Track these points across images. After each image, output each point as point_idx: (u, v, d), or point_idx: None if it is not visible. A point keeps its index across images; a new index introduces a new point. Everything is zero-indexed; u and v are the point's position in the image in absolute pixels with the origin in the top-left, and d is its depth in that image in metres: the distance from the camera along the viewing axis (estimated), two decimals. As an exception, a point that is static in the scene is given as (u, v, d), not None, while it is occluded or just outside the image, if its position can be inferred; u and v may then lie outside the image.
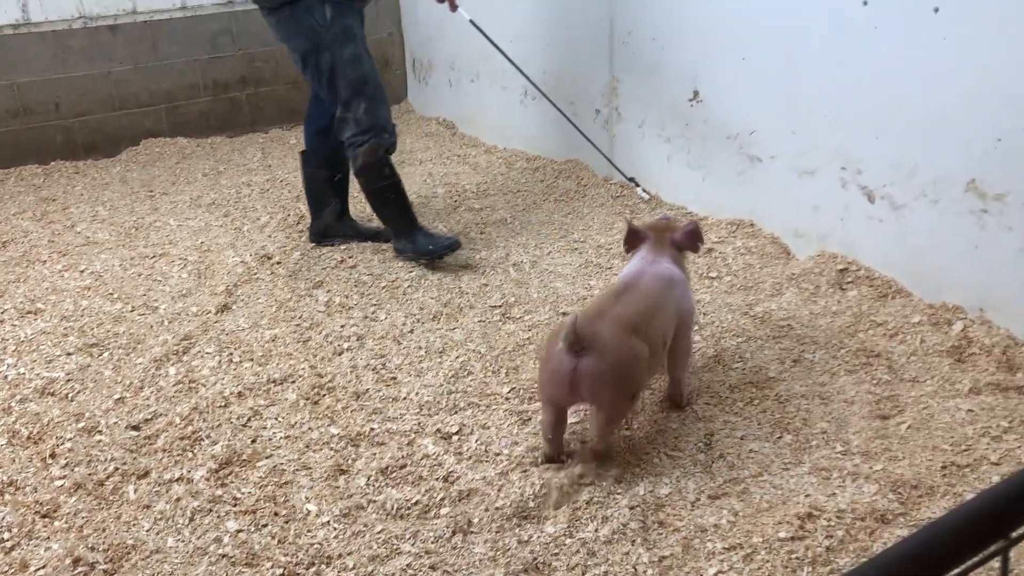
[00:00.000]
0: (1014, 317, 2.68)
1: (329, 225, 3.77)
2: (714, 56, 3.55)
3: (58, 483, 2.32)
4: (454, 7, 3.72)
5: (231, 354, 2.94)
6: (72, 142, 5.12)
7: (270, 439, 2.49)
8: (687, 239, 2.54)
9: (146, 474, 2.36)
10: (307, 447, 2.45)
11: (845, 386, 2.58)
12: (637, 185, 4.03)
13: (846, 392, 2.55)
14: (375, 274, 3.50)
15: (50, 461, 2.41)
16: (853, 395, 2.53)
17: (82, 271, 3.65)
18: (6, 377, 2.84)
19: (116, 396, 2.72)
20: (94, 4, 4.93)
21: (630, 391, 2.24)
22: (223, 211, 4.28)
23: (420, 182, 4.57)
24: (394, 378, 2.78)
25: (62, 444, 2.47)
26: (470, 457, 2.38)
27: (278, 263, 3.63)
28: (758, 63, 3.37)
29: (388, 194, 3.56)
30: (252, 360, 2.90)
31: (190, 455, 2.43)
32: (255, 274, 3.55)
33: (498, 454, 2.38)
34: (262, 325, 3.14)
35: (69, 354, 2.97)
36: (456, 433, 2.48)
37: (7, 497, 2.28)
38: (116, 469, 2.36)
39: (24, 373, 2.86)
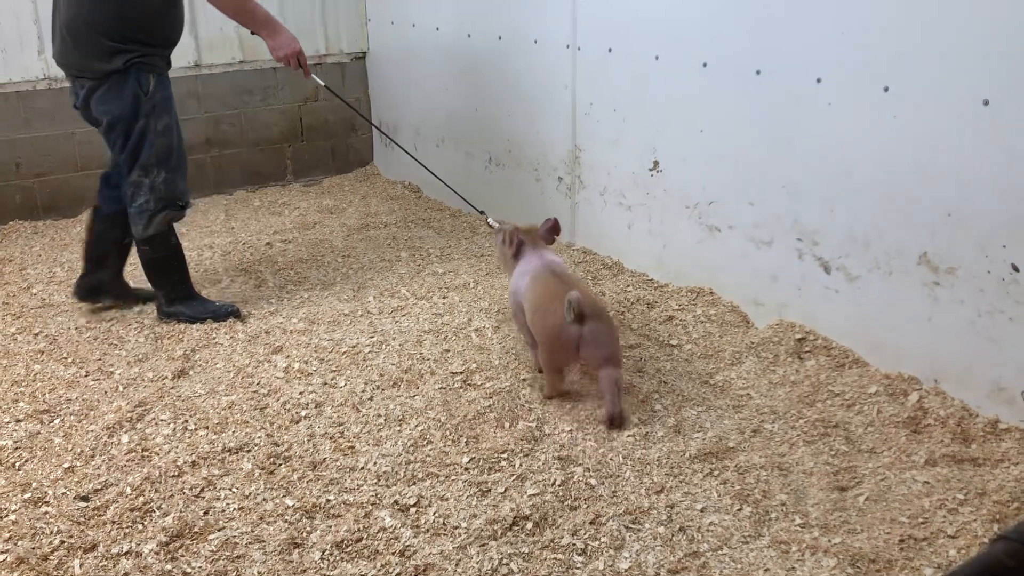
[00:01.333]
0: (967, 388, 2.72)
1: (104, 283, 3.76)
2: (673, 128, 3.63)
3: (0, 557, 2.24)
4: (308, 74, 3.72)
5: (186, 421, 2.89)
6: (32, 202, 5.07)
7: (223, 511, 2.44)
8: (549, 233, 3.32)
9: (93, 547, 2.28)
10: (261, 519, 2.40)
11: (804, 457, 2.59)
12: (484, 214, 4.04)
13: (805, 463, 2.56)
14: (335, 339, 3.47)
15: (-8, 534, 2.33)
16: (812, 466, 2.54)
17: (36, 334, 3.58)
18: (-49, 445, 2.76)
19: (66, 465, 2.65)
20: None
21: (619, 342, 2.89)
22: (184, 273, 4.24)
23: (384, 246, 4.58)
24: (352, 447, 2.74)
25: (5, 516, 2.39)
26: (427, 530, 2.34)
27: (237, 327, 3.60)
28: (715, 135, 3.45)
29: (172, 262, 3.64)
30: (208, 428, 2.85)
31: (140, 527, 2.36)
32: (213, 338, 3.51)
33: (456, 527, 2.34)
34: (219, 391, 3.09)
35: (19, 421, 2.90)
36: (414, 505, 2.44)
37: (-55, 573, 2.19)
38: (62, 543, 2.29)
39: (-30, 441, 2.79)
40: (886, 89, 2.78)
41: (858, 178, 2.94)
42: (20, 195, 5.02)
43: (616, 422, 2.76)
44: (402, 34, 5.34)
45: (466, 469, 2.61)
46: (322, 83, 3.98)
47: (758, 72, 3.19)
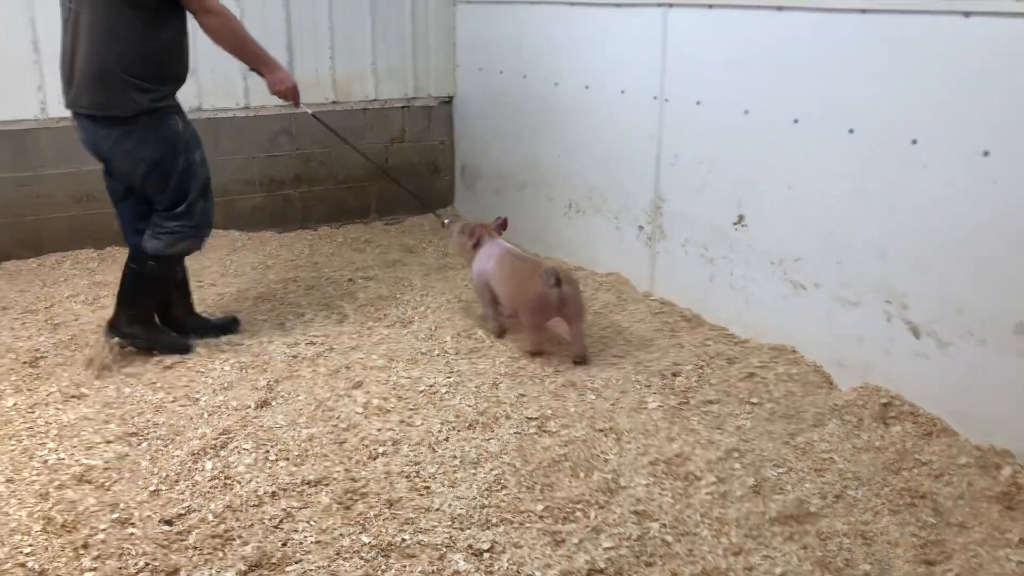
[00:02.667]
0: (1065, 465, 2.62)
1: (184, 323, 3.83)
2: (761, 182, 3.61)
3: (88, 575, 2.31)
4: (298, 104, 3.80)
5: (267, 452, 2.95)
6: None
7: (301, 543, 2.47)
8: (500, 228, 4.11)
9: (175, 572, 2.34)
10: (337, 554, 2.43)
11: (889, 527, 2.51)
12: (439, 215, 4.55)
13: (890, 533, 2.48)
14: (413, 377, 3.51)
15: (82, 552, 2.40)
16: (897, 537, 2.46)
17: (127, 358, 3.70)
18: (46, 462, 2.87)
19: (151, 488, 2.72)
20: (163, 100, 5.15)
21: None
22: (269, 305, 4.36)
23: (461, 287, 4.63)
24: (428, 487, 2.76)
25: (95, 535, 2.47)
26: (501, 576, 2.34)
27: (318, 360, 3.67)
28: (804, 192, 3.42)
29: (162, 287, 3.71)
30: (288, 459, 2.90)
31: (220, 555, 2.41)
32: (296, 371, 3.58)
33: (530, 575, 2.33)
34: (300, 423, 3.15)
35: (108, 442, 3.00)
36: (488, 550, 2.44)
37: (36, 587, 2.27)
38: (147, 564, 2.35)
39: (64, 459, 2.89)
40: (986, 154, 2.73)
41: (952, 242, 2.88)
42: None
43: (581, 360, 3.63)
44: (490, 80, 5.44)
45: (540, 517, 2.60)
46: (310, 111, 4.05)
47: (851, 131, 3.17)
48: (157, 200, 3.54)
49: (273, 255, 5.22)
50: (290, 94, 3.71)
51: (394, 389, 3.41)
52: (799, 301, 3.51)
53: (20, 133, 4.86)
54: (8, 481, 2.75)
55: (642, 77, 4.13)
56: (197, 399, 3.34)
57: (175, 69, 3.48)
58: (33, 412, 3.22)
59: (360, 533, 2.52)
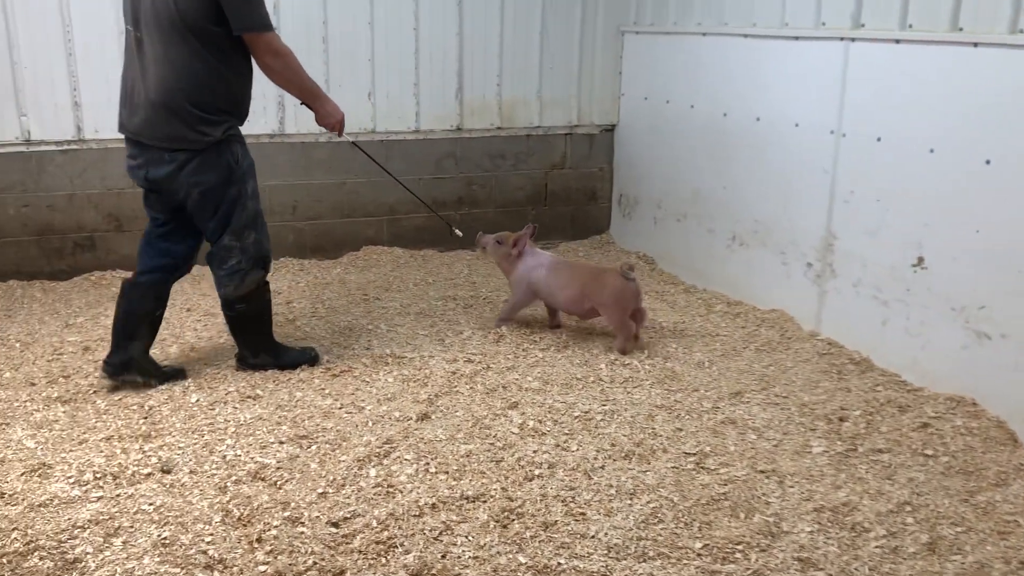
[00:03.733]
0: None
1: (134, 359, 3.62)
2: (944, 224, 3.43)
3: (261, 568, 2.44)
4: (341, 134, 3.81)
5: (428, 464, 3.02)
6: (302, 242, 5.57)
7: (459, 557, 2.52)
8: (532, 235, 4.40)
9: (341, 573, 2.43)
10: (494, 571, 2.45)
11: (1085, 602, 2.31)
12: (451, 226, 4.56)
13: (1086, 609, 2.29)
14: (568, 402, 3.52)
15: (256, 545, 2.54)
16: (1095, 614, 2.27)
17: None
18: (224, 457, 3.05)
19: (320, 490, 2.84)
20: (340, 121, 5.42)
21: None
22: (430, 321, 4.49)
23: (618, 315, 4.62)
24: (583, 513, 2.75)
25: (268, 531, 2.60)
26: (658, 611, 2.30)
27: (476, 378, 3.74)
28: (993, 236, 3.22)
29: (265, 316, 3.79)
30: (447, 473, 2.97)
31: (383, 561, 2.49)
32: (455, 387, 3.67)
33: (688, 613, 2.28)
34: (458, 439, 3.22)
35: (281, 443, 3.16)
36: (645, 583, 2.41)
37: (216, 574, 2.41)
38: (315, 563, 2.45)
39: (240, 455, 3.06)
40: None
41: None
42: (293, 235, 5.53)
43: (638, 344, 4.12)
44: (654, 109, 5.43)
45: (699, 555, 2.55)
46: (350, 139, 4.14)
47: (1052, 173, 2.97)
48: (203, 227, 3.57)
49: (434, 273, 5.37)
50: (338, 126, 3.75)
51: (549, 412, 3.43)
52: (982, 351, 3.30)
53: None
54: (191, 472, 2.94)
55: (818, 110, 4.02)
56: (362, 407, 3.47)
57: (242, 103, 3.51)
58: (213, 409, 3.43)
59: (517, 553, 2.54)
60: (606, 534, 2.63)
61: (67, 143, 4.96)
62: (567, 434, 3.27)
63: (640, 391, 3.65)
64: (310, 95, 3.63)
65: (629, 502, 2.81)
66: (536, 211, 6.00)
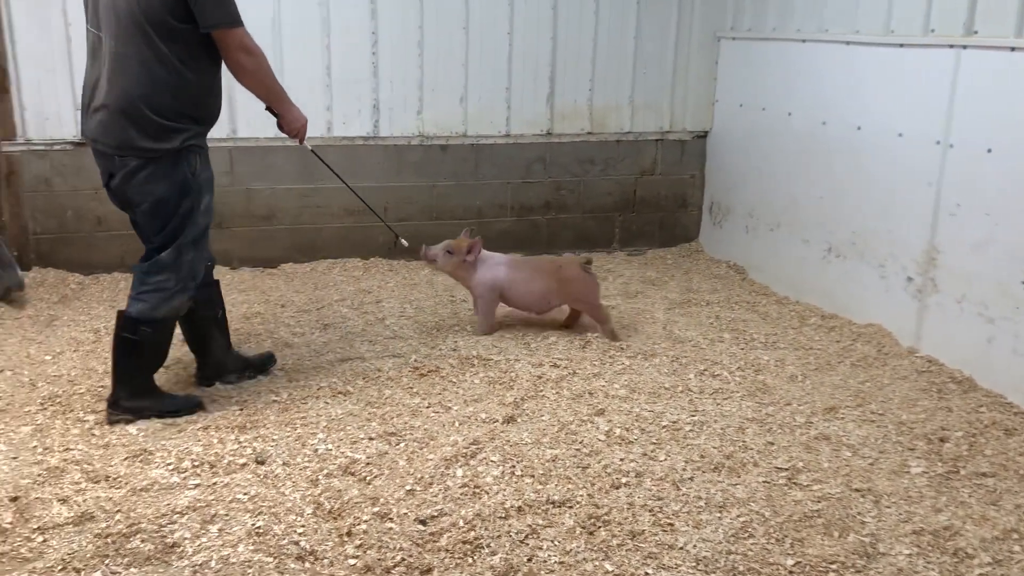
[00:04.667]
0: None
1: (220, 363, 3.63)
2: (1060, 240, 3.28)
3: (351, 561, 2.48)
4: (302, 141, 3.58)
5: (514, 466, 3.03)
6: (390, 243, 5.64)
7: (545, 561, 2.51)
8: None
9: (428, 571, 2.45)
10: (581, 578, 2.44)
11: None
12: (398, 236, 4.34)
13: None
14: (656, 411, 3.48)
15: (346, 539, 2.58)
16: None
17: (382, 363, 3.95)
18: (316, 450, 3.11)
19: (408, 487, 2.87)
20: (432, 125, 5.50)
21: None
22: (514, 324, 4.49)
23: (706, 324, 4.55)
24: (671, 524, 2.71)
25: (358, 525, 2.64)
26: (748, 628, 2.25)
27: (561, 383, 3.73)
28: (1115, 254, 3.06)
29: (161, 350, 3.40)
30: (533, 477, 2.96)
31: (470, 561, 2.50)
32: (540, 391, 3.66)
33: (780, 632, 2.23)
34: (544, 443, 3.21)
35: (370, 439, 3.20)
36: (735, 598, 2.36)
37: (307, 565, 2.46)
38: (403, 560, 2.48)
39: (331, 450, 3.12)
40: None
41: None
42: (383, 236, 5.61)
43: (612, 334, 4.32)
44: (749, 117, 5.34)
45: (790, 572, 2.48)
46: (310, 147, 3.86)
47: None
48: (146, 239, 3.29)
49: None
50: (301, 132, 3.52)
51: (636, 421, 3.40)
52: (1099, 374, 3.14)
53: (307, 150, 5.34)
54: (284, 464, 3.01)
55: (924, 120, 3.88)
56: (449, 407, 3.50)
57: (209, 109, 3.28)
58: (306, 403, 3.51)
59: (603, 560, 2.52)
60: (695, 546, 2.59)
61: (172, 142, 5.14)
62: (655, 443, 3.23)
63: (730, 403, 3.59)
64: (277, 98, 3.38)
65: (719, 515, 2.76)
66: (624, 217, 5.96)
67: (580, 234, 5.93)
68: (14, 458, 3.03)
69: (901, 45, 4.04)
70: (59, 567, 2.45)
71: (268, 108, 3.44)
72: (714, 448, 3.19)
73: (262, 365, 3.78)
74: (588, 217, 5.92)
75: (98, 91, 3.12)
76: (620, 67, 5.66)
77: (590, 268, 4.28)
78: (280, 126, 3.49)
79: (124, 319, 3.26)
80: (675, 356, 4.09)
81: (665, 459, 3.11)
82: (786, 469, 3.04)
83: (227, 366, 3.68)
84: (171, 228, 3.22)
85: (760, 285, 5.25)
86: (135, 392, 3.33)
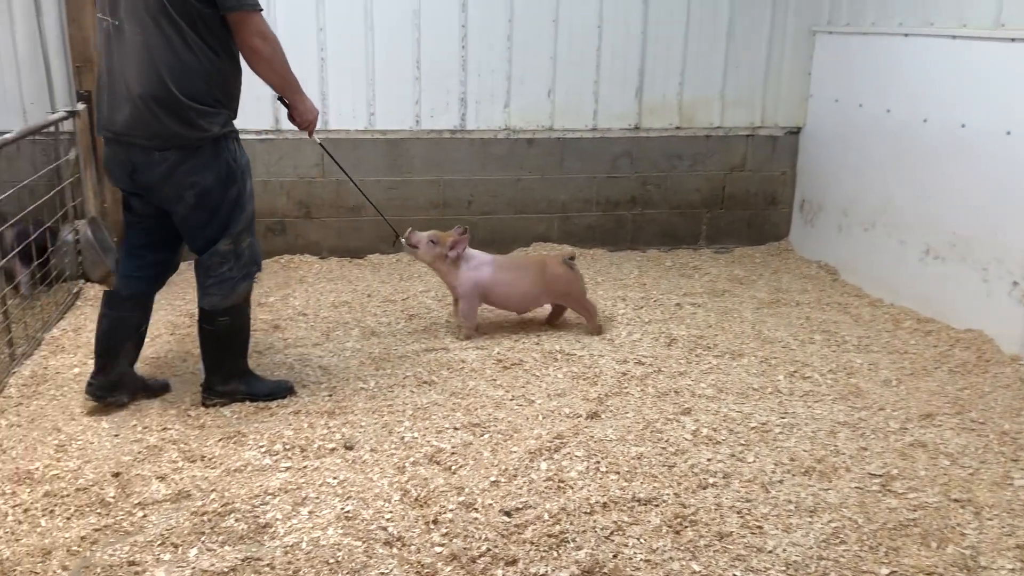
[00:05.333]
0: None
1: (124, 375, 3.37)
2: None
3: (437, 549, 2.50)
4: (311, 133, 3.44)
5: (598, 462, 3.01)
6: (474, 236, 5.65)
7: (630, 558, 2.49)
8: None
9: (514, 562, 2.45)
10: (667, 577, 2.41)
11: None
12: (399, 236, 4.15)
13: None
14: (744, 412, 3.42)
15: (432, 526, 2.60)
16: None
17: (466, 354, 3.96)
18: (403, 438, 3.14)
19: (492, 478, 2.88)
20: (519, 119, 5.50)
21: None
22: (599, 320, 4.46)
23: (796, 325, 4.44)
24: (760, 527, 2.66)
25: (444, 513, 2.66)
26: (841, 637, 2.19)
27: (646, 381, 3.69)
28: None
29: (243, 335, 3.42)
30: (618, 474, 2.94)
31: (555, 555, 2.49)
32: (625, 388, 3.63)
33: (874, 642, 2.16)
34: (628, 440, 3.18)
35: (455, 429, 3.23)
36: (827, 605, 2.30)
37: (395, 551, 2.49)
38: (488, 550, 2.49)
39: (417, 438, 3.15)
40: None
41: None
42: (472, 232, 5.64)
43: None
44: (845, 113, 5.19)
45: (885, 582, 2.41)
46: (318, 140, 3.65)
47: None
48: (195, 236, 3.20)
49: (603, 272, 5.35)
50: (312, 126, 3.40)
51: (724, 421, 3.34)
52: None
53: (395, 142, 5.42)
54: (372, 451, 3.06)
55: (1035, 117, 3.71)
56: (532, 401, 3.49)
57: (234, 94, 3.18)
58: (392, 392, 3.55)
59: (690, 560, 2.48)
60: (784, 550, 2.53)
61: (265, 133, 5.26)
62: (743, 444, 3.17)
63: (821, 406, 3.50)
64: (291, 88, 3.25)
65: (809, 519, 2.69)
66: (712, 214, 5.86)
67: (666, 230, 5.86)
68: (115, 435, 3.15)
69: (1013, 39, 3.86)
70: (158, 542, 2.54)
71: (280, 98, 3.34)
72: (804, 451, 3.11)
73: (157, 390, 3.51)
74: (674, 213, 5.84)
75: (122, 82, 2.99)
76: (711, 61, 5.57)
77: (574, 264, 4.20)
78: (291, 117, 3.36)
79: (202, 313, 3.31)
80: (764, 357, 4.01)
81: (754, 461, 3.05)
82: (880, 476, 2.95)
83: (124, 384, 3.39)
84: (222, 218, 3.16)
85: (852, 286, 5.10)
86: (227, 377, 3.39)
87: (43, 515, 2.66)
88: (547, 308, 4.43)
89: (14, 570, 2.40)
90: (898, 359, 3.99)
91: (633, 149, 5.67)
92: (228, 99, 3.12)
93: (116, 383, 3.35)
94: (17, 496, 2.75)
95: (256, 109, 5.17)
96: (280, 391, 3.47)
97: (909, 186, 4.61)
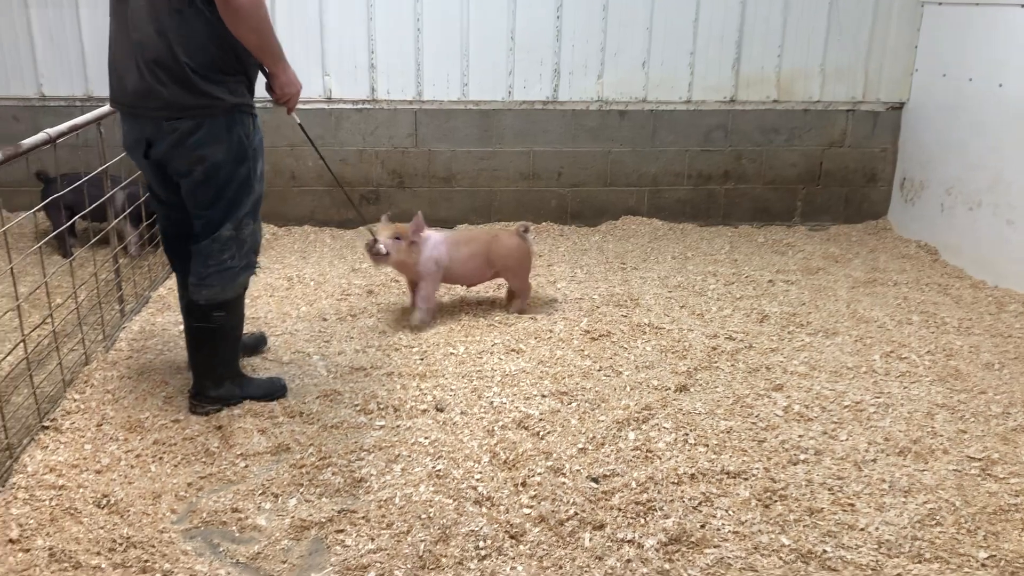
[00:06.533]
0: None
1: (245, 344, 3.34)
2: None
3: (526, 510, 2.54)
4: (291, 111, 3.08)
5: (687, 434, 3.01)
6: (563, 208, 5.68)
7: (718, 529, 2.49)
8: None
9: (601, 527, 2.48)
10: (755, 549, 2.40)
11: None
12: (371, 230, 3.81)
13: None
14: (837, 391, 3.36)
15: (521, 489, 2.65)
16: None
17: (554, 324, 3.99)
18: (492, 403, 3.20)
19: (580, 446, 2.91)
20: (612, 90, 5.46)
21: None
22: (686, 293, 4.43)
23: (893, 305, 4.32)
24: (852, 505, 2.62)
25: (533, 476, 2.70)
26: (935, 617, 2.15)
27: (737, 356, 3.66)
28: None
29: (236, 332, 3.16)
30: (707, 446, 2.93)
31: (642, 522, 2.51)
32: (715, 362, 3.61)
33: (970, 625, 2.12)
34: (718, 414, 3.17)
35: (543, 396, 3.26)
36: (920, 586, 2.26)
37: (484, 510, 2.55)
38: (576, 514, 2.52)
39: (505, 403, 3.20)
40: None
41: None
42: (555, 200, 5.66)
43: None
44: (954, 88, 4.99)
45: (983, 565, 2.35)
46: (298, 120, 3.28)
47: None
48: (200, 215, 2.96)
49: (693, 247, 5.29)
50: (292, 100, 3.03)
51: (816, 399, 3.29)
52: None
53: (488, 112, 5.44)
54: (462, 413, 3.12)
55: None
56: (620, 372, 3.50)
57: (248, 59, 2.88)
58: (481, 358, 3.61)
59: (779, 534, 2.47)
60: (877, 529, 2.49)
61: (362, 102, 5.36)
62: (835, 423, 3.12)
63: (918, 387, 3.41)
64: (271, 55, 2.87)
65: (903, 499, 2.64)
66: (808, 190, 5.73)
67: (759, 205, 5.76)
68: (219, 389, 3.28)
69: None
70: (259, 491, 2.66)
71: (261, 67, 2.97)
72: (900, 432, 3.05)
73: (254, 346, 3.60)
74: (768, 188, 5.73)
75: (129, 50, 2.80)
76: (812, 33, 5.41)
77: (527, 235, 4.07)
78: (269, 88, 2.99)
79: (194, 308, 3.04)
80: (859, 336, 3.92)
81: (846, 439, 3.00)
82: (979, 459, 2.87)
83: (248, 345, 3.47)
84: (228, 198, 2.92)
85: (954, 267, 4.92)
86: (219, 380, 3.13)
87: (153, 461, 2.81)
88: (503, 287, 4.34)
89: (128, 510, 2.54)
90: (1001, 343, 3.85)
91: (728, 122, 5.57)
92: (242, 68, 2.86)
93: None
94: (129, 443, 2.91)
95: (354, 78, 5.28)
96: (275, 390, 3.23)
97: (1020, 164, 4.41)
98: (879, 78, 5.51)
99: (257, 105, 2.99)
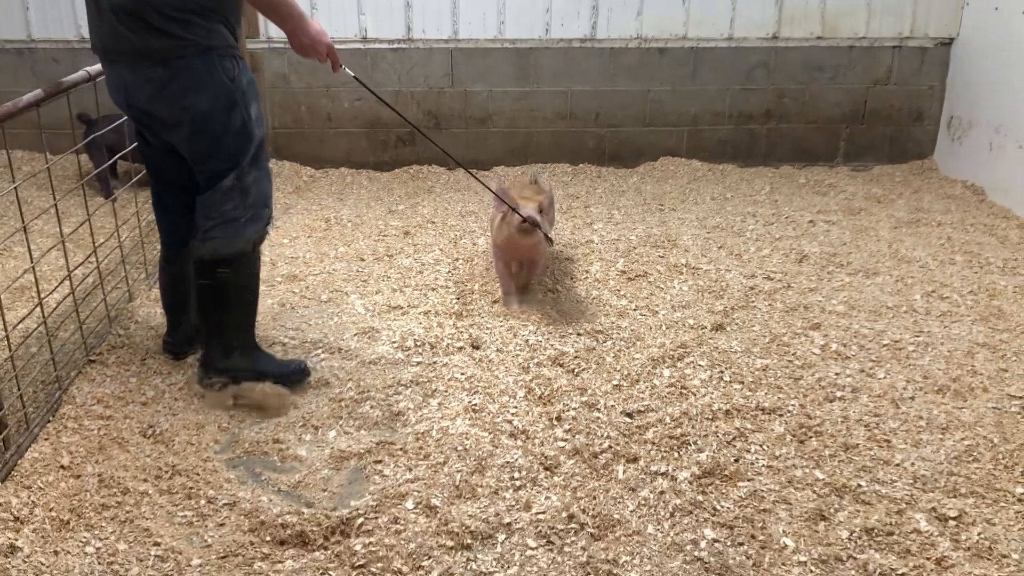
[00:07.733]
0: None
1: (196, 328, 2.98)
2: None
3: (560, 443, 2.57)
4: (338, 67, 2.83)
5: (722, 372, 3.01)
6: (600, 149, 5.63)
7: (752, 463, 2.50)
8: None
9: (635, 460, 2.51)
10: (789, 482, 2.41)
11: None
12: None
13: None
14: (876, 330, 3.32)
15: (555, 423, 2.68)
16: None
17: (590, 265, 3.98)
18: (527, 341, 3.22)
19: (614, 382, 2.93)
20: (652, 27, 5.35)
21: None
22: (724, 234, 4.39)
23: (936, 245, 4.24)
24: (888, 441, 2.61)
25: (567, 411, 2.73)
26: (969, 548, 2.15)
27: (775, 296, 3.63)
28: None
29: (248, 294, 2.87)
30: (742, 384, 2.93)
31: (676, 455, 2.53)
32: (752, 302, 3.59)
33: (1004, 556, 2.12)
34: (754, 352, 3.16)
35: (578, 335, 3.27)
36: (955, 518, 2.26)
37: (519, 443, 2.58)
38: (610, 447, 2.55)
39: (541, 341, 3.22)
40: None
41: None
42: (593, 141, 5.61)
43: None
44: (1006, 22, 4.81)
45: (1019, 500, 2.34)
46: (352, 73, 2.98)
47: None
48: (200, 169, 2.73)
49: (732, 188, 5.23)
50: (333, 55, 2.77)
51: (855, 337, 3.26)
52: None
53: (524, 51, 5.38)
54: (498, 351, 3.15)
55: None
56: (656, 311, 3.50)
57: (228, 2, 2.63)
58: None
59: (814, 468, 2.47)
60: (912, 464, 2.49)
61: (397, 42, 5.32)
62: (874, 361, 3.10)
63: (959, 326, 3.36)
64: (280, 14, 2.62)
65: (940, 436, 2.63)
66: (851, 130, 5.61)
67: (801, 145, 5.65)
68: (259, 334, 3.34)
69: None
70: (300, 423, 2.72)
71: (282, 27, 2.70)
72: (939, 370, 3.02)
73: None
74: (811, 128, 5.61)
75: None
76: (859, -35, 5.25)
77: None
78: (293, 45, 2.72)
79: (199, 264, 2.77)
80: (900, 276, 3.86)
81: (884, 377, 2.98)
82: (1020, 397, 2.84)
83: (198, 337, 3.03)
84: (227, 148, 2.68)
85: (1001, 208, 4.81)
86: (228, 349, 2.87)
87: (195, 394, 2.88)
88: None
89: (173, 440, 2.62)
90: (1048, 283, 3.78)
91: (770, 60, 5.45)
92: (217, 7, 2.58)
93: (192, 335, 3.07)
94: (172, 376, 2.98)
95: (390, 17, 5.24)
96: (292, 372, 2.95)
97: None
98: (928, 13, 5.34)
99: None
